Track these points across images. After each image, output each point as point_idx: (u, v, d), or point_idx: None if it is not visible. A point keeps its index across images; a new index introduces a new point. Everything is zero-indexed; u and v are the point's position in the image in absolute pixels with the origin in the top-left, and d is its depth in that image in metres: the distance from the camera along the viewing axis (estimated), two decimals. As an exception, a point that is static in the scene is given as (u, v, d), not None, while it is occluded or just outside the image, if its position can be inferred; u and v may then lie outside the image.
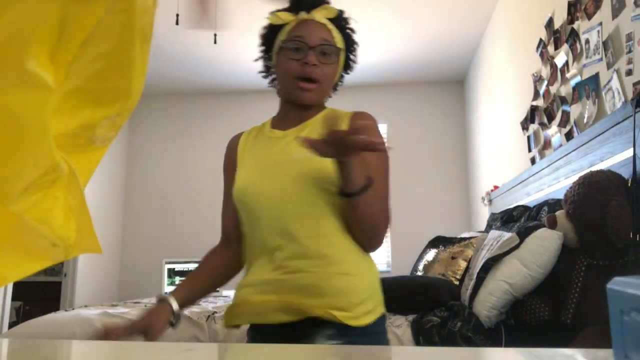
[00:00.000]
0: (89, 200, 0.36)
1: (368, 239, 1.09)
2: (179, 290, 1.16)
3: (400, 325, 1.91)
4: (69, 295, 4.63)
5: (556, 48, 2.59)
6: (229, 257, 1.25)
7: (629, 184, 1.53)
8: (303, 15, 1.18)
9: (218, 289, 1.38)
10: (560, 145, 2.45)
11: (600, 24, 2.07)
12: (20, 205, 0.30)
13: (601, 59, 2.07)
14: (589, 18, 2.18)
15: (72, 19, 0.30)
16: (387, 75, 5.05)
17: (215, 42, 3.47)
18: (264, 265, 1.07)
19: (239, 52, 4.54)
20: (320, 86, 1.16)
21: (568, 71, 2.43)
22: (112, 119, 0.36)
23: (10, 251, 0.33)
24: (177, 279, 3.05)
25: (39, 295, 5.17)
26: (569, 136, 2.41)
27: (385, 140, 1.03)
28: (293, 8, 1.19)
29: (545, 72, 2.75)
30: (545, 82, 2.73)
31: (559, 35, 2.54)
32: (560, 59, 2.51)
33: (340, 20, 1.22)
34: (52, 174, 0.31)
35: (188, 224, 5.34)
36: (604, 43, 2.03)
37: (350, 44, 1.24)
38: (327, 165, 1.03)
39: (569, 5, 2.40)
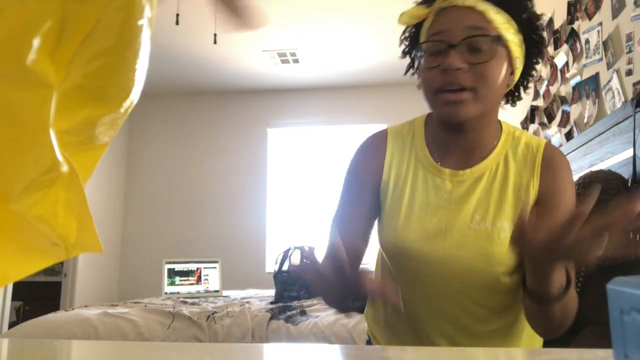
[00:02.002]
0: (89, 200, 0.36)
1: (548, 335, 0.87)
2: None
3: (400, 325, 1.91)
4: (69, 295, 4.63)
5: (556, 48, 2.59)
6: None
7: (629, 184, 1.53)
8: (440, 3, 0.85)
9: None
10: (560, 145, 2.45)
11: (600, 24, 2.07)
12: (21, 204, 0.30)
13: (601, 59, 2.07)
14: (589, 18, 2.18)
15: (73, 17, 0.30)
16: (387, 76, 5.05)
17: (215, 42, 3.47)
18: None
19: (239, 52, 4.54)
20: (476, 94, 0.81)
21: (568, 71, 2.43)
22: (112, 117, 0.36)
23: (11, 250, 0.33)
24: (177, 279, 3.05)
25: (39, 295, 5.17)
26: (569, 136, 2.41)
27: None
28: None
29: (545, 72, 2.75)
30: (546, 82, 2.73)
31: (559, 36, 2.54)
32: (560, 59, 2.51)
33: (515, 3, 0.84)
34: (53, 173, 0.31)
35: (188, 224, 5.34)
36: (604, 43, 2.03)
37: (528, 21, 0.85)
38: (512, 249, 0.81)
39: (569, 5, 2.40)
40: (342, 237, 0.88)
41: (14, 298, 4.48)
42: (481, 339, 0.89)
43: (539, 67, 2.86)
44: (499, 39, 0.82)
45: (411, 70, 0.98)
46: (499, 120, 0.92)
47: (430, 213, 0.88)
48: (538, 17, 0.87)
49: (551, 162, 0.86)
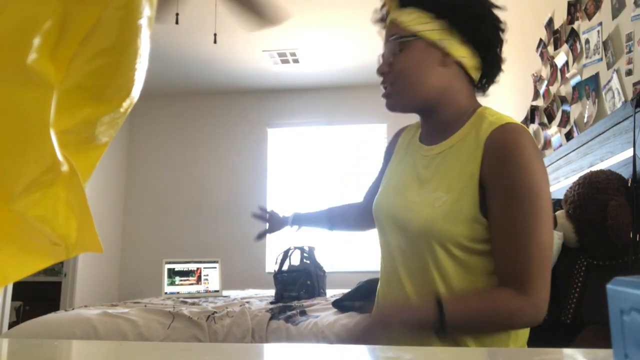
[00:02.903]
0: (89, 200, 0.36)
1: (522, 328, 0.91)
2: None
3: (400, 325, 1.91)
4: (69, 295, 4.63)
5: (556, 48, 2.59)
6: (364, 215, 1.24)
7: (629, 184, 1.53)
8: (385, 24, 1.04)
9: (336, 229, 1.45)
10: (560, 145, 2.45)
11: (600, 24, 2.07)
12: (21, 204, 0.30)
13: (601, 59, 2.07)
14: (589, 18, 2.18)
15: (73, 16, 0.30)
16: (387, 75, 5.05)
17: (215, 42, 3.47)
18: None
19: (239, 52, 4.54)
20: (394, 87, 0.98)
21: (568, 71, 2.43)
22: (112, 116, 0.36)
23: (12, 250, 0.33)
24: (177, 279, 3.05)
25: (39, 295, 5.17)
26: (569, 136, 2.41)
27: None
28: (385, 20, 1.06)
29: (545, 72, 2.75)
30: (545, 82, 2.73)
31: (559, 35, 2.54)
32: (560, 59, 2.51)
33: None
34: (54, 172, 0.31)
35: (188, 224, 5.34)
36: (604, 43, 2.03)
37: (444, 6, 0.92)
38: (445, 216, 0.87)
39: (569, 5, 2.40)
40: (366, 198, 1.25)
41: (14, 298, 4.48)
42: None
43: (539, 67, 2.87)
44: (406, 36, 0.94)
45: None
46: (476, 107, 0.98)
47: (400, 184, 1.02)
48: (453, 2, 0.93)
49: (494, 145, 0.87)
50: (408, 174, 1.01)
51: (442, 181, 0.92)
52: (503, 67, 1.00)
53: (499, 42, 0.96)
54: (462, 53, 0.93)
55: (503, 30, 0.96)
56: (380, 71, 0.99)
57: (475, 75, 0.97)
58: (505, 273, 0.85)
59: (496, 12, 0.96)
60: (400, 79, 0.96)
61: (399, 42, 0.95)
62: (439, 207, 0.88)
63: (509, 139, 0.86)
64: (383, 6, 1.02)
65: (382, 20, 1.05)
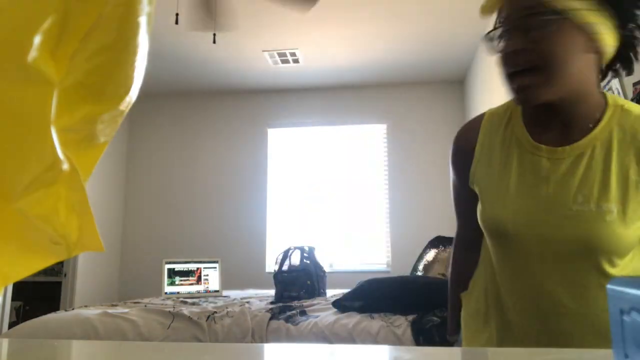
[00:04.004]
0: (88, 200, 0.36)
1: None
2: None
3: (400, 325, 1.92)
4: (69, 295, 4.63)
5: (556, 48, 2.59)
6: (474, 261, 1.04)
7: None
8: None
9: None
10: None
11: (600, 24, 2.07)
12: (23, 202, 0.30)
13: (601, 59, 2.07)
14: (589, 18, 2.18)
15: (74, 14, 0.30)
16: (387, 75, 5.05)
17: (214, 42, 3.47)
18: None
19: (238, 52, 4.54)
20: (542, 74, 0.79)
21: (568, 71, 2.43)
22: (112, 114, 0.36)
23: (12, 250, 0.33)
24: (177, 279, 3.05)
25: (39, 295, 5.17)
26: (569, 136, 2.40)
27: None
28: None
29: (545, 72, 2.75)
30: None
31: (559, 36, 2.54)
32: (560, 59, 2.51)
33: None
34: (54, 171, 0.31)
35: (188, 224, 5.34)
36: (604, 43, 2.03)
37: None
38: (619, 229, 0.79)
39: (569, 5, 2.39)
40: (463, 233, 1.06)
41: (14, 298, 4.48)
42: (570, 321, 0.86)
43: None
44: (556, 13, 0.77)
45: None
46: (603, 93, 0.88)
47: (526, 192, 0.87)
48: None
49: None
50: (534, 182, 0.87)
51: (601, 189, 0.81)
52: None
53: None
54: (610, 41, 0.81)
55: None
56: (514, 47, 0.79)
57: (624, 64, 0.87)
58: None
59: None
60: (548, 66, 0.79)
61: (545, 18, 0.78)
62: (611, 221, 0.79)
63: None
64: None
65: None
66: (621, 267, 0.83)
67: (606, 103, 0.86)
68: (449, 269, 1.13)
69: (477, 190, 0.95)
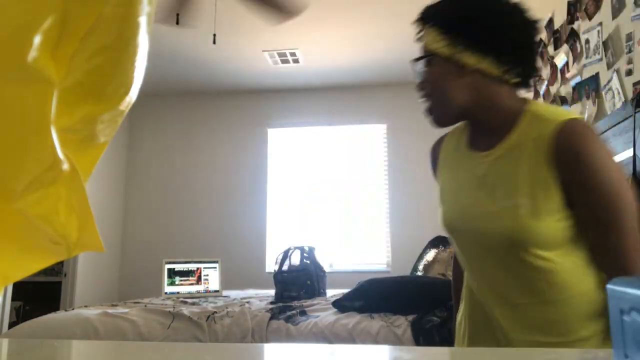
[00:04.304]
0: (88, 200, 0.36)
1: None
2: None
3: (400, 325, 1.91)
4: (69, 295, 4.63)
5: (556, 48, 2.59)
6: None
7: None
8: None
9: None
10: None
11: (600, 24, 2.07)
12: (23, 202, 0.30)
13: (601, 59, 2.07)
14: (589, 18, 2.18)
15: (74, 14, 0.30)
16: (386, 75, 5.05)
17: (214, 42, 3.47)
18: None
19: (239, 52, 4.54)
20: (430, 99, 1.00)
21: (568, 71, 2.43)
22: (112, 114, 0.36)
23: (13, 250, 0.33)
24: (177, 279, 3.05)
25: (39, 295, 5.17)
26: (569, 136, 2.41)
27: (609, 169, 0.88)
28: None
29: (545, 72, 2.75)
30: (546, 82, 2.73)
31: (559, 36, 2.54)
32: (560, 59, 2.51)
33: (429, 16, 1.00)
34: (54, 171, 0.31)
35: (188, 224, 5.34)
36: (604, 43, 2.03)
37: (453, 24, 0.97)
38: (531, 222, 0.89)
39: (569, 5, 2.40)
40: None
41: (14, 298, 4.48)
42: (524, 312, 0.95)
43: (539, 67, 2.87)
44: (428, 55, 0.99)
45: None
46: (526, 102, 0.98)
47: (464, 193, 1.02)
48: (462, 17, 0.97)
49: (567, 151, 0.88)
50: (467, 183, 1.02)
51: (512, 186, 0.93)
52: (540, 62, 1.05)
53: (525, 43, 0.97)
54: (473, 62, 0.95)
55: (527, 30, 0.97)
56: (417, 88, 1.04)
57: (508, 77, 0.97)
58: (609, 269, 0.90)
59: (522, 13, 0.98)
60: (432, 95, 1.01)
61: (422, 61, 1.01)
62: (523, 214, 0.89)
63: (578, 142, 0.87)
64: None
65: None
66: (553, 262, 0.91)
67: (525, 110, 0.97)
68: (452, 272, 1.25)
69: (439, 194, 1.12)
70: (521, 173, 0.92)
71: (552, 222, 0.89)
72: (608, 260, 0.90)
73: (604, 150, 0.88)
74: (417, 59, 1.01)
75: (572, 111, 0.96)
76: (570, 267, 0.92)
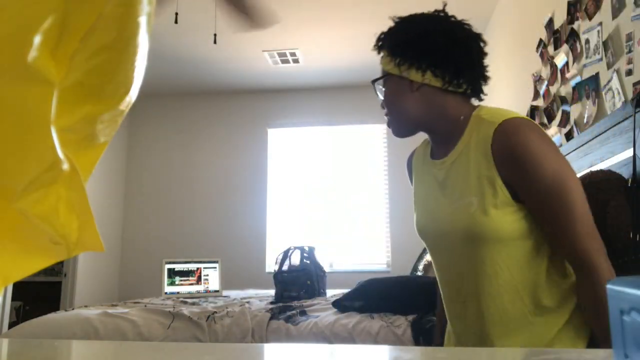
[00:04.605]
0: (89, 200, 0.36)
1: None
2: None
3: (400, 325, 1.91)
4: (69, 295, 4.63)
5: (556, 48, 2.59)
6: None
7: (629, 184, 1.53)
8: None
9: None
10: (560, 145, 2.45)
11: (600, 24, 2.07)
12: (23, 202, 0.30)
13: (601, 59, 2.07)
14: (589, 18, 2.18)
15: (74, 14, 0.30)
16: (387, 75, 5.05)
17: (215, 42, 3.47)
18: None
19: (239, 52, 4.54)
20: (390, 115, 1.12)
21: (568, 71, 2.43)
22: (112, 114, 0.36)
23: (13, 250, 0.33)
24: (177, 279, 3.05)
25: (39, 295, 5.17)
26: (569, 136, 2.41)
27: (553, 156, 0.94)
28: None
29: (545, 72, 2.75)
30: (545, 82, 2.73)
31: (559, 36, 2.54)
32: (560, 59, 2.51)
33: (382, 42, 1.13)
34: (55, 170, 0.31)
35: (188, 224, 5.34)
36: (604, 43, 2.03)
37: (405, 47, 1.08)
38: (482, 219, 0.95)
39: (569, 5, 2.40)
40: None
41: (14, 298, 4.48)
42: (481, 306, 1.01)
43: (539, 67, 2.87)
44: (383, 75, 1.11)
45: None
46: (471, 111, 1.06)
47: (428, 199, 1.13)
48: (403, 40, 1.08)
49: (503, 148, 0.94)
50: (432, 189, 1.11)
51: (464, 187, 1.00)
52: (489, 66, 1.12)
53: (463, 56, 1.06)
54: (419, 77, 1.06)
55: (466, 44, 1.07)
56: (381, 106, 1.15)
57: (454, 87, 1.06)
58: (567, 256, 0.96)
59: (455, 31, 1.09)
60: (388, 110, 1.12)
61: (379, 82, 1.13)
62: (474, 211, 0.96)
63: (513, 140, 0.93)
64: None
65: None
66: (507, 256, 0.97)
67: (470, 116, 1.05)
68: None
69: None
70: (471, 174, 0.99)
71: (502, 216, 0.95)
72: (564, 248, 0.94)
73: (541, 143, 0.93)
74: (374, 80, 1.14)
75: (516, 112, 1.00)
76: (522, 259, 0.98)
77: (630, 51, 1.83)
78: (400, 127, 1.12)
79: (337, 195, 5.20)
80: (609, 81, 1.97)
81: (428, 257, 2.80)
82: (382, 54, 1.12)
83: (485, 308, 1.00)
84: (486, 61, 1.10)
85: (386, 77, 1.11)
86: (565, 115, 2.45)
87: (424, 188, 1.16)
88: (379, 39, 1.13)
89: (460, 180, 1.02)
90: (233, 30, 4.06)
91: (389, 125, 1.14)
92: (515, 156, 0.92)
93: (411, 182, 1.28)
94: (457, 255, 1.03)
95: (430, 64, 1.05)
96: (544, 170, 0.91)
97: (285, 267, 2.78)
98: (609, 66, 2.00)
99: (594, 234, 0.93)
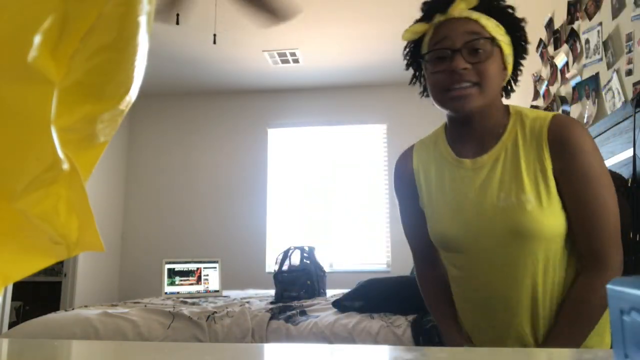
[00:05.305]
0: (89, 200, 0.36)
1: None
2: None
3: (400, 325, 1.91)
4: (69, 295, 4.63)
5: (556, 48, 2.59)
6: (440, 277, 1.17)
7: (629, 184, 1.53)
8: (439, 17, 1.00)
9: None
10: (560, 146, 2.45)
11: (600, 24, 2.07)
12: (23, 202, 0.31)
13: (601, 59, 2.07)
14: (589, 18, 2.18)
15: (74, 13, 0.30)
16: (387, 75, 5.05)
17: (214, 42, 3.47)
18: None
19: (239, 52, 4.54)
20: (480, 88, 0.96)
21: (568, 71, 2.43)
22: (112, 114, 0.36)
23: (13, 249, 0.33)
24: (177, 279, 3.05)
25: (39, 295, 5.17)
26: (569, 136, 2.40)
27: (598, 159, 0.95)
28: (426, 15, 1.03)
29: (545, 72, 2.75)
30: (546, 82, 2.73)
31: (559, 36, 2.54)
32: (560, 59, 2.51)
33: (488, 3, 0.99)
34: (54, 170, 0.31)
35: (188, 224, 5.34)
36: (604, 43, 2.03)
37: (512, 24, 1.01)
38: (539, 215, 0.92)
39: (569, 5, 2.40)
40: (416, 247, 1.19)
41: (14, 298, 4.48)
42: (511, 313, 0.98)
43: (539, 67, 2.87)
44: (493, 40, 0.97)
45: (415, 81, 1.13)
46: (506, 107, 1.04)
47: (459, 202, 1.01)
48: (520, 19, 1.03)
49: (558, 136, 0.94)
50: (466, 190, 1.01)
51: (516, 184, 0.95)
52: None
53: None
54: (511, 69, 1.03)
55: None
56: (462, 67, 0.95)
57: (513, 81, 1.07)
58: (586, 250, 0.95)
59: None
60: (485, 83, 0.96)
61: (485, 43, 0.96)
62: (532, 208, 0.93)
63: (569, 132, 0.94)
64: None
65: (441, 7, 1.00)
66: (549, 259, 0.96)
67: (509, 112, 1.02)
68: (421, 291, 1.24)
69: (424, 207, 1.11)
70: (522, 171, 0.95)
71: (555, 212, 0.94)
72: (587, 244, 0.95)
73: (591, 140, 0.95)
74: (479, 39, 0.95)
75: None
76: (569, 255, 0.98)
77: (630, 51, 1.83)
78: (483, 98, 0.96)
79: (337, 195, 5.20)
80: (609, 81, 1.97)
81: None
82: (485, 14, 0.98)
83: (528, 307, 0.96)
84: None
85: (496, 45, 0.98)
86: (565, 115, 2.45)
87: (450, 190, 1.04)
88: (484, 1, 0.99)
89: (509, 178, 0.96)
90: (236, 29, 4.06)
91: (470, 96, 0.95)
92: (571, 147, 0.93)
93: (400, 185, 1.17)
94: (500, 256, 0.97)
95: (519, 52, 1.03)
96: (591, 164, 0.93)
97: (285, 267, 2.78)
98: (609, 66, 2.00)
99: (619, 235, 0.95)
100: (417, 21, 1.04)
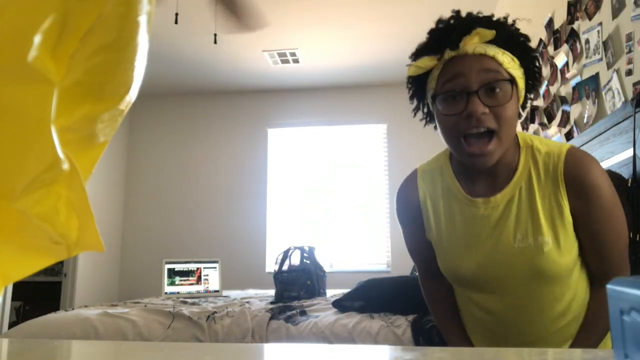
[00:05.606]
0: (89, 200, 0.36)
1: None
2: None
3: (400, 325, 1.91)
4: (69, 295, 4.63)
5: (556, 48, 2.59)
6: (446, 286, 1.14)
7: (629, 184, 1.53)
8: (449, 53, 0.90)
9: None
10: (560, 146, 2.45)
11: (600, 24, 2.07)
12: (23, 202, 0.30)
13: (601, 59, 2.07)
14: (589, 18, 2.18)
15: (74, 13, 0.30)
16: (387, 75, 5.05)
17: (215, 42, 3.47)
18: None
19: (239, 52, 4.54)
20: (499, 138, 0.87)
21: (568, 71, 2.43)
22: (111, 114, 0.36)
23: (13, 250, 0.33)
24: (177, 279, 3.04)
25: (39, 295, 5.17)
26: (569, 136, 2.41)
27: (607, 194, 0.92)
28: (435, 48, 0.93)
29: (545, 72, 2.75)
30: (546, 82, 2.73)
31: (559, 36, 2.54)
32: (560, 59, 2.51)
33: (504, 35, 0.90)
34: (55, 170, 0.31)
35: (188, 224, 5.34)
36: (604, 43, 2.04)
37: (527, 55, 0.93)
38: (557, 257, 0.91)
39: (569, 5, 2.40)
40: (421, 264, 1.15)
41: (14, 298, 4.48)
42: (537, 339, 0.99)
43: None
44: (512, 80, 0.88)
45: (417, 112, 1.10)
46: (514, 137, 0.98)
47: (475, 241, 0.98)
48: (534, 50, 0.96)
49: (575, 177, 0.91)
50: (479, 230, 0.97)
51: (533, 225, 0.93)
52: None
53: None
54: (522, 95, 0.95)
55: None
56: (480, 112, 0.85)
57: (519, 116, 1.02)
58: (598, 271, 0.97)
59: None
60: (503, 130, 0.88)
61: (506, 84, 0.87)
62: (548, 250, 0.91)
63: (585, 170, 0.91)
64: (461, 29, 0.90)
65: (453, 42, 0.90)
66: (568, 288, 0.96)
67: (518, 145, 0.96)
68: (427, 302, 1.22)
69: (432, 240, 1.07)
70: (539, 210, 0.92)
71: (571, 251, 0.94)
72: (600, 268, 0.96)
73: (603, 173, 0.93)
74: (499, 80, 0.86)
75: (558, 141, 1.00)
76: (580, 282, 0.99)
77: (630, 51, 1.83)
78: (502, 148, 0.89)
79: (337, 195, 5.20)
80: (609, 81, 1.97)
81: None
82: (500, 48, 0.89)
83: (539, 336, 0.98)
84: None
85: (515, 83, 0.89)
86: (565, 116, 2.45)
87: (462, 228, 0.99)
88: (500, 33, 0.90)
89: (525, 218, 0.93)
90: (226, 31, 4.06)
91: (492, 152, 0.87)
92: (589, 188, 0.91)
93: (405, 214, 1.12)
94: (520, 296, 0.96)
95: (533, 85, 0.95)
96: (607, 201, 0.92)
97: (285, 267, 2.78)
98: (609, 66, 2.00)
99: (627, 256, 0.95)
100: (423, 51, 0.95)
